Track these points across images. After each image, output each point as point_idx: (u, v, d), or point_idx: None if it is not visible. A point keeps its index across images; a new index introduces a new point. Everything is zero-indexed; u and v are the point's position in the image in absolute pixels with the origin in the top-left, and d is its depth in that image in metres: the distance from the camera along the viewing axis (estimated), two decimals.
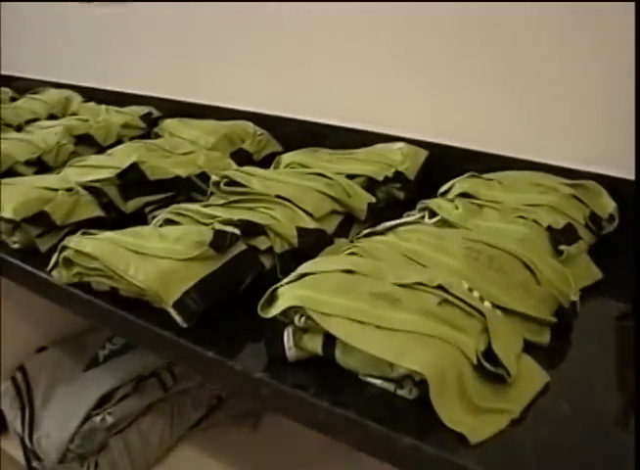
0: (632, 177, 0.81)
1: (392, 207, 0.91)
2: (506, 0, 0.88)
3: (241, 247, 0.65)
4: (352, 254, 0.65)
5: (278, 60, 1.14)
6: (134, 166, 0.85)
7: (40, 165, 1.01)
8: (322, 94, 1.09)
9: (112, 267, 0.63)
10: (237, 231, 0.65)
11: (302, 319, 0.55)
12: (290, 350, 0.55)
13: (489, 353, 0.52)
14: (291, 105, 1.12)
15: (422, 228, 0.69)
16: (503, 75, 0.91)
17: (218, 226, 0.65)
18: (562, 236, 0.72)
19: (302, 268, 0.60)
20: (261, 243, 0.68)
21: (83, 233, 0.72)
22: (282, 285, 0.58)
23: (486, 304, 0.58)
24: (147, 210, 0.86)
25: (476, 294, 0.58)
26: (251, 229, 0.68)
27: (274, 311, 0.56)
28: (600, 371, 0.56)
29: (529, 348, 0.57)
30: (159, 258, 0.63)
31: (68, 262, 0.68)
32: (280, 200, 0.76)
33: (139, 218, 0.85)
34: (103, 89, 1.41)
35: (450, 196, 0.83)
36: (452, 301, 0.55)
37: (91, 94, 1.39)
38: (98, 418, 0.91)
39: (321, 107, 1.09)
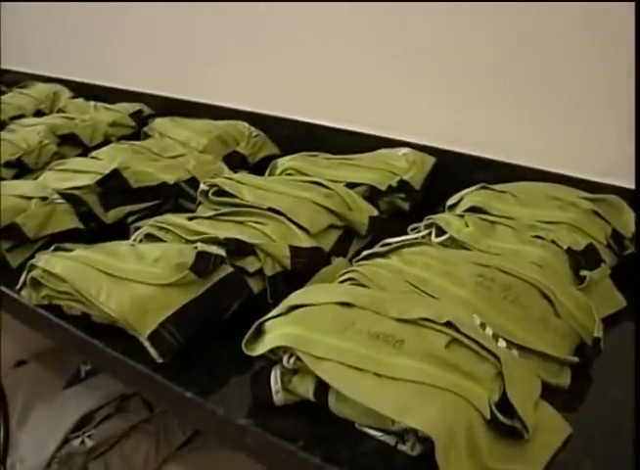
0: None
1: (397, 218, 0.84)
2: (517, 0, 0.81)
3: (227, 269, 0.59)
4: (350, 279, 0.58)
5: (277, 57, 1.07)
6: (116, 173, 0.78)
7: (21, 167, 0.94)
8: (323, 94, 1.02)
9: (82, 292, 0.56)
10: (222, 252, 0.59)
11: (292, 360, 0.48)
12: (277, 394, 0.49)
13: (504, 403, 0.46)
14: (289, 104, 1.05)
15: (428, 251, 0.62)
16: (517, 79, 0.84)
17: (201, 247, 0.58)
18: (583, 259, 0.65)
19: (293, 299, 0.53)
20: (250, 264, 0.62)
21: (56, 249, 0.66)
22: (270, 318, 0.51)
23: (501, 342, 0.51)
24: (129, 220, 0.79)
25: (489, 330, 0.52)
26: (238, 249, 0.61)
27: (260, 350, 0.49)
28: (627, 419, 0.50)
29: (548, 391, 0.51)
30: (134, 282, 0.56)
31: (37, 283, 0.62)
32: (273, 213, 0.69)
33: (121, 229, 0.78)
34: (94, 84, 1.35)
35: (459, 210, 0.76)
36: (462, 341, 0.48)
37: (81, 89, 1.32)
38: (77, 441, 0.85)
39: (321, 107, 1.02)
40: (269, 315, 0.52)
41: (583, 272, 0.63)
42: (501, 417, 0.45)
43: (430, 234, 0.72)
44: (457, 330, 0.49)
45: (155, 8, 1.22)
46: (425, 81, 0.92)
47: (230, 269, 0.59)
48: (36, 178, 0.86)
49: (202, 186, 0.76)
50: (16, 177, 0.93)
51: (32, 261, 0.62)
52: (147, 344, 0.53)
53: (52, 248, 0.66)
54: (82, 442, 0.85)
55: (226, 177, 0.78)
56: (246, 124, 1.04)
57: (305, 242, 0.66)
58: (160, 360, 0.53)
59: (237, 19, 1.10)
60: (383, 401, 0.43)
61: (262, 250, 0.62)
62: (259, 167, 0.98)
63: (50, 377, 0.95)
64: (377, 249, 0.63)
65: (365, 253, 0.63)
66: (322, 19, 1.00)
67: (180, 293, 0.56)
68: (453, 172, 0.89)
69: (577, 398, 0.53)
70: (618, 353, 0.58)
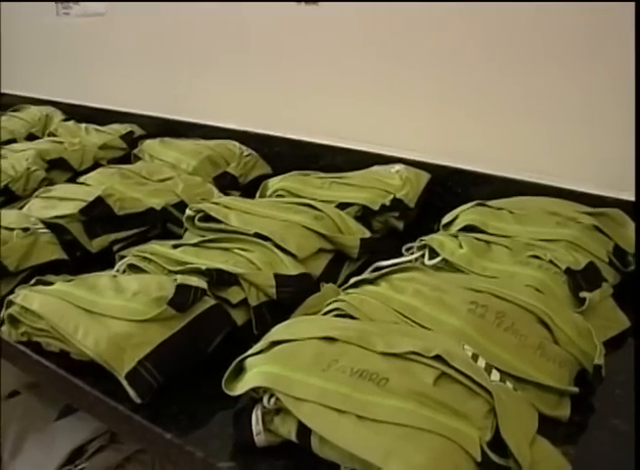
0: None
1: (391, 238, 0.82)
2: None
3: (208, 302, 0.56)
4: (337, 310, 0.56)
5: (268, 75, 1.05)
6: (99, 200, 0.76)
7: (8, 195, 0.93)
8: (315, 111, 1.01)
9: (58, 330, 0.54)
10: (203, 284, 0.56)
11: (272, 400, 0.45)
12: (259, 435, 0.46)
13: (497, 441, 0.43)
14: (281, 122, 1.03)
15: (419, 277, 0.59)
16: (512, 91, 0.82)
17: (181, 279, 0.56)
18: (583, 280, 0.62)
19: (275, 333, 0.51)
20: (233, 295, 0.59)
21: (37, 282, 0.64)
22: (250, 355, 0.49)
23: (494, 374, 0.49)
24: (115, 248, 0.77)
25: (481, 362, 0.49)
26: (220, 279, 0.59)
27: (239, 389, 0.47)
28: (632, 452, 0.47)
29: (546, 423, 0.48)
30: (111, 318, 0.54)
31: (15, 320, 0.60)
32: (259, 239, 0.67)
33: (108, 257, 0.76)
34: (86, 106, 1.33)
35: (454, 229, 0.74)
36: (452, 375, 0.46)
37: (74, 111, 1.31)
38: None
39: (314, 125, 1.01)
40: (250, 352, 0.49)
41: (583, 294, 0.61)
42: (494, 457, 0.42)
43: (423, 256, 0.70)
44: (447, 364, 0.46)
45: (146, 28, 1.21)
46: (419, 96, 0.90)
47: (212, 302, 0.57)
48: (23, 206, 0.84)
49: (187, 212, 0.74)
50: (3, 205, 0.92)
51: (11, 297, 0.60)
52: (125, 383, 0.51)
53: (32, 281, 0.65)
54: None
55: (213, 202, 0.76)
56: (236, 144, 1.02)
57: (293, 268, 0.64)
58: (139, 401, 0.51)
59: (227, 37, 1.09)
60: (364, 446, 0.41)
61: (246, 279, 0.59)
62: (251, 188, 0.96)
63: (42, 408, 0.92)
64: (365, 275, 0.61)
65: (353, 280, 0.60)
66: (313, 35, 0.98)
67: (159, 328, 0.53)
68: (449, 188, 0.87)
69: (578, 430, 0.50)
70: (622, 380, 0.55)
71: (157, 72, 1.23)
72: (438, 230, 0.77)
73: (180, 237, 0.78)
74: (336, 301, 0.57)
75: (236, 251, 0.66)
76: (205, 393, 0.54)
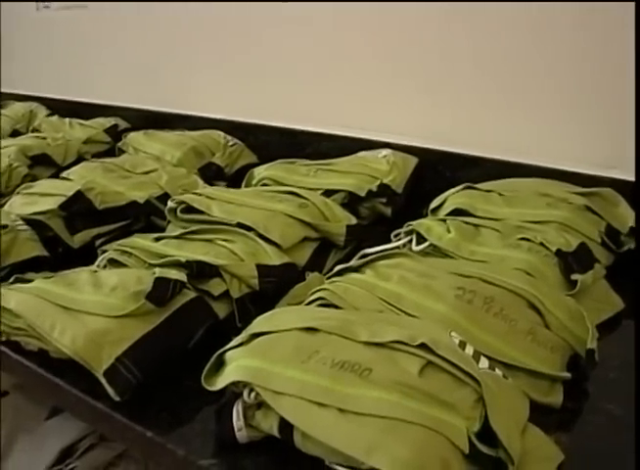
0: None
1: (379, 224, 0.80)
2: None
3: (188, 295, 0.55)
4: (320, 299, 0.54)
5: (251, 63, 1.03)
6: (79, 195, 0.74)
7: None
8: (300, 98, 0.99)
9: (36, 328, 0.53)
10: (182, 277, 0.55)
11: (252, 395, 0.44)
12: (240, 431, 0.45)
13: (486, 431, 0.41)
14: (266, 111, 1.01)
15: (405, 263, 0.57)
16: (500, 71, 0.80)
17: (160, 272, 0.55)
18: (575, 261, 0.60)
19: (255, 325, 0.49)
20: (215, 287, 0.58)
21: (15, 280, 0.63)
22: (230, 348, 0.48)
23: (483, 361, 0.47)
24: (97, 242, 0.75)
25: (469, 349, 0.47)
26: (201, 271, 0.57)
27: (219, 384, 0.45)
28: (628, 438, 0.45)
29: (538, 410, 0.47)
30: (88, 314, 0.53)
31: None
32: (241, 229, 0.66)
33: (91, 253, 0.75)
34: (70, 100, 1.31)
35: (442, 213, 0.72)
36: (438, 364, 0.44)
37: (58, 106, 1.28)
38: None
39: (299, 112, 0.99)
40: (230, 345, 0.48)
41: (575, 276, 0.59)
42: (483, 448, 0.41)
43: (410, 241, 0.68)
44: (432, 352, 0.44)
45: (128, 20, 1.19)
46: (404, 78, 0.88)
47: (192, 294, 0.55)
48: (4, 203, 0.82)
49: (169, 204, 0.72)
50: None
51: None
52: (103, 381, 0.49)
53: (11, 279, 0.63)
54: None
55: (195, 193, 0.74)
56: (221, 134, 1.00)
57: (276, 258, 0.62)
58: (118, 399, 0.49)
59: (210, 27, 1.06)
60: (347, 440, 0.39)
61: (227, 271, 0.58)
62: (238, 177, 0.94)
63: (32, 408, 0.91)
64: (351, 263, 0.59)
65: (338, 268, 0.59)
66: (296, 21, 0.96)
67: (137, 324, 0.52)
68: (438, 172, 0.85)
69: (571, 416, 0.49)
70: (617, 364, 0.53)
71: (141, 64, 1.21)
72: (427, 215, 0.75)
73: (163, 229, 0.76)
74: (319, 290, 0.55)
75: (218, 242, 0.64)
76: (188, 388, 0.52)
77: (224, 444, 0.46)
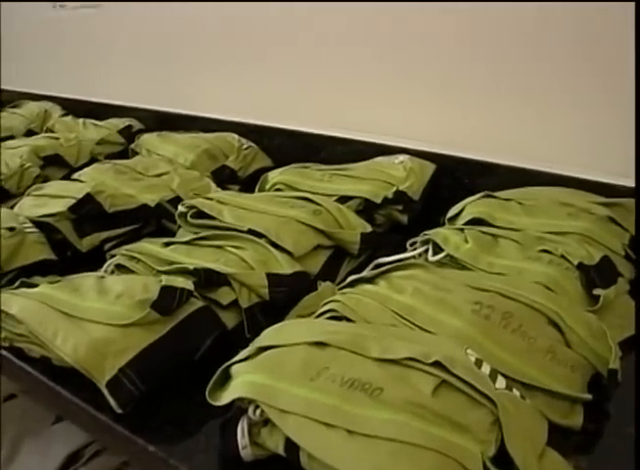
0: None
1: (395, 232, 0.78)
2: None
3: (196, 304, 0.53)
4: (331, 311, 0.53)
5: (267, 66, 1.02)
6: (89, 198, 0.73)
7: (1, 193, 0.90)
8: (316, 101, 0.97)
9: (38, 335, 0.51)
10: (189, 285, 0.53)
11: (257, 412, 0.42)
12: (245, 448, 0.43)
13: (502, 455, 0.39)
14: (281, 114, 1.00)
15: (420, 274, 0.55)
16: (520, 77, 0.78)
17: (166, 280, 0.53)
18: (597, 275, 0.58)
19: (263, 338, 0.48)
20: (223, 296, 0.56)
21: (21, 284, 0.61)
22: (236, 362, 0.46)
23: (500, 381, 0.45)
24: (106, 246, 0.74)
25: (486, 368, 0.45)
26: (209, 280, 0.55)
27: (224, 399, 0.44)
28: None
29: (557, 432, 0.44)
30: (92, 323, 0.51)
31: None
32: (253, 236, 0.64)
33: (99, 257, 0.73)
34: (85, 100, 1.31)
35: (460, 222, 0.70)
36: (453, 383, 0.42)
37: (73, 106, 1.28)
38: None
39: (315, 115, 0.97)
40: (236, 358, 0.46)
41: (597, 291, 0.56)
42: None
43: (427, 251, 0.66)
44: (447, 371, 0.42)
45: (143, 20, 1.18)
46: (422, 83, 0.86)
47: (200, 304, 0.53)
48: (15, 204, 0.81)
49: (180, 208, 0.71)
50: None
51: None
52: (105, 392, 0.48)
53: (17, 283, 0.62)
54: None
55: (206, 197, 0.72)
56: (235, 136, 0.99)
57: (288, 267, 0.60)
58: (120, 411, 0.48)
59: (225, 28, 1.05)
60: (353, 463, 0.37)
61: (236, 279, 0.56)
62: (252, 181, 0.93)
63: (39, 412, 0.90)
64: (364, 273, 0.57)
65: (350, 278, 0.57)
66: (312, 25, 0.94)
67: (142, 334, 0.50)
68: (455, 179, 0.83)
69: (592, 439, 0.47)
70: None
71: (155, 64, 1.20)
72: (444, 224, 0.73)
73: (175, 234, 0.75)
74: (330, 301, 0.54)
75: (228, 249, 0.63)
76: (193, 401, 0.50)
77: (228, 461, 0.44)
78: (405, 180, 0.78)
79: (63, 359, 0.51)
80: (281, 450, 0.42)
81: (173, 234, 0.75)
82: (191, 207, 0.70)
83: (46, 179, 0.94)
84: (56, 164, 0.99)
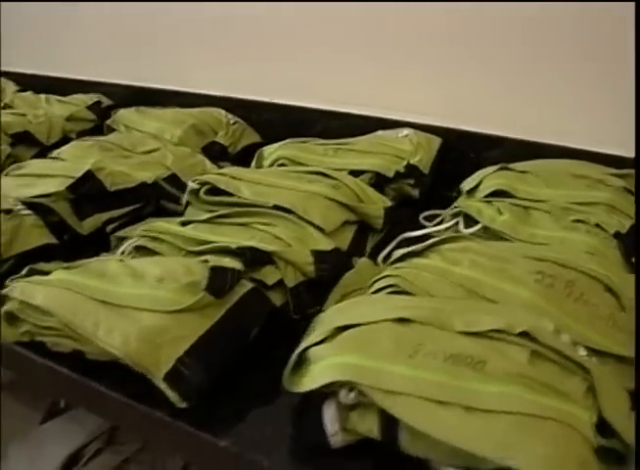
0: None
1: (405, 207, 0.77)
2: None
3: (246, 286, 0.50)
4: (390, 286, 0.50)
5: (253, 33, 0.96)
6: (89, 175, 0.67)
7: None
8: (307, 73, 0.93)
9: (74, 327, 0.46)
10: (239, 266, 0.49)
11: (352, 395, 0.40)
12: (335, 435, 0.41)
13: (602, 424, 0.39)
14: (269, 87, 0.95)
15: (473, 246, 0.54)
16: (528, 45, 0.77)
17: (214, 261, 0.49)
18: (631, 243, 0.59)
19: (335, 317, 0.45)
20: (268, 275, 0.53)
21: (30, 271, 0.55)
22: (314, 344, 0.43)
23: (580, 348, 0.44)
24: (108, 228, 0.68)
25: (565, 337, 0.45)
26: (255, 259, 0.52)
27: (310, 384, 0.40)
28: None
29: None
30: (138, 310, 0.46)
31: (13, 318, 0.51)
32: (280, 212, 0.60)
33: (98, 239, 0.68)
34: (42, 75, 1.19)
35: (480, 195, 0.69)
36: (544, 353, 0.41)
37: (27, 82, 1.17)
38: None
39: (305, 88, 0.93)
40: (311, 341, 0.43)
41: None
42: (603, 441, 0.38)
43: (457, 224, 0.65)
44: (535, 341, 0.42)
45: None
46: (423, 53, 0.84)
47: (250, 285, 0.50)
48: None
49: (191, 184, 0.66)
50: None
51: (4, 292, 0.51)
52: (163, 386, 0.44)
53: (24, 271, 0.55)
54: None
55: (218, 173, 0.68)
56: (222, 111, 0.94)
57: (325, 243, 0.57)
58: (183, 405, 0.44)
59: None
60: (476, 440, 0.36)
61: (282, 257, 0.53)
62: (242, 158, 0.88)
63: (23, 411, 0.83)
64: (412, 248, 0.55)
65: (399, 253, 0.55)
66: None
67: (196, 320, 0.46)
68: (461, 153, 0.82)
69: None
70: None
71: (124, 35, 1.11)
72: (457, 197, 0.72)
73: (175, 214, 0.70)
74: (385, 277, 0.51)
75: (256, 226, 0.59)
76: (250, 389, 0.47)
77: (312, 450, 0.41)
78: (415, 154, 0.77)
79: (103, 353, 0.46)
80: (375, 434, 0.40)
81: (173, 214, 0.70)
82: (204, 183, 0.65)
83: (16, 159, 0.85)
84: (25, 143, 0.90)
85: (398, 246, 0.63)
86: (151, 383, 0.45)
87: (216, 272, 0.48)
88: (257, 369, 0.49)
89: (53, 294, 0.49)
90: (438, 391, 0.37)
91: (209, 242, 0.55)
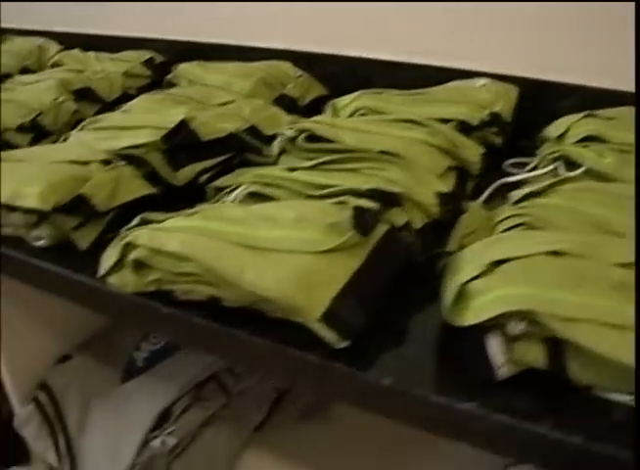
0: None
1: (488, 155, 0.76)
2: None
3: (382, 227, 0.49)
4: (521, 225, 0.50)
5: None
6: (183, 125, 0.66)
7: (37, 131, 0.80)
8: (370, 23, 0.91)
9: (218, 272, 0.46)
10: (376, 207, 0.49)
11: (521, 326, 0.40)
12: (502, 367, 0.41)
13: None
14: (333, 38, 0.93)
15: (593, 186, 0.54)
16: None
17: (354, 201, 0.49)
18: None
19: (488, 252, 0.45)
20: (397, 217, 0.53)
21: (142, 221, 0.54)
22: (472, 279, 0.43)
23: None
24: (201, 179, 0.67)
25: None
26: (385, 201, 0.51)
27: (478, 317, 0.41)
28: None
29: None
30: (284, 252, 0.46)
31: (141, 266, 0.50)
32: (389, 156, 0.60)
33: (191, 192, 0.67)
34: (83, 34, 1.16)
35: (569, 141, 0.69)
36: None
37: (69, 41, 1.13)
38: (157, 442, 0.73)
39: (370, 39, 0.91)
40: (468, 275, 0.43)
41: None
42: None
43: (555, 169, 0.65)
44: None
45: None
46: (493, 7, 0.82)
47: (386, 226, 0.50)
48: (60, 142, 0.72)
49: (287, 132, 0.65)
50: (32, 143, 0.79)
51: (128, 240, 0.50)
52: (319, 326, 0.44)
53: (136, 221, 0.54)
54: (163, 441, 0.74)
55: (313, 120, 0.67)
56: (288, 64, 0.92)
57: (441, 186, 0.57)
58: (342, 345, 0.44)
59: None
60: None
61: (410, 199, 0.53)
62: (310, 111, 0.87)
63: (103, 370, 0.83)
64: (532, 188, 0.55)
65: (521, 193, 0.55)
66: None
67: (345, 259, 0.46)
68: (537, 103, 0.81)
69: None
70: None
71: None
72: (541, 145, 0.72)
73: (259, 165, 0.69)
74: (513, 216, 0.52)
75: (367, 171, 0.59)
76: (396, 327, 0.48)
77: (478, 383, 0.42)
78: (496, 103, 0.76)
79: (245, 298, 0.46)
80: (541, 363, 0.41)
81: (257, 165, 0.69)
82: (301, 130, 0.65)
83: (81, 116, 0.84)
84: (87, 99, 0.88)
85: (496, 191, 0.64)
86: (291, 329, 0.45)
87: (359, 212, 0.47)
88: (392, 309, 0.49)
89: (188, 240, 0.48)
90: (617, 316, 0.38)
91: (330, 186, 0.55)
